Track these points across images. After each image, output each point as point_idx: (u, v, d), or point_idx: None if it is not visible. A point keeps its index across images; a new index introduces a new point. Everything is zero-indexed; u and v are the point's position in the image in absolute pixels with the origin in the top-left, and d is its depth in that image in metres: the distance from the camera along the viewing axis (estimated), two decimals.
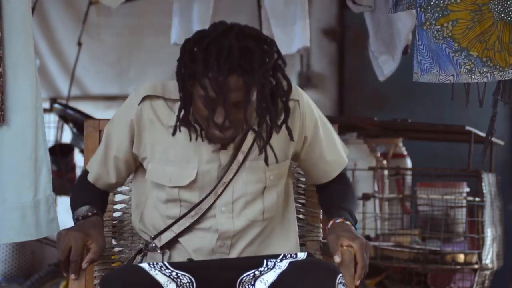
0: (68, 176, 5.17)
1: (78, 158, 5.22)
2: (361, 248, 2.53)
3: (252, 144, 2.59)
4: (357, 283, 2.53)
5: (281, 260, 2.55)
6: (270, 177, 2.62)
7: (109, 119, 3.00)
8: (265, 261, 2.54)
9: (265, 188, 2.62)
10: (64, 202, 5.42)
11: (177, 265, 2.55)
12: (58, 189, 5.16)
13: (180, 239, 2.65)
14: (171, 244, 2.66)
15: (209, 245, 2.62)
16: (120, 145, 2.67)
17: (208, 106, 2.44)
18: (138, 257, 2.72)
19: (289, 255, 2.59)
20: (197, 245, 2.63)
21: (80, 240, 2.50)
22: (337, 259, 2.52)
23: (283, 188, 2.69)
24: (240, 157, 2.59)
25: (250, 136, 2.59)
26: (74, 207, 2.69)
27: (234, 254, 2.63)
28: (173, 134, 2.54)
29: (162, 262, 2.58)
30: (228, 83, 2.39)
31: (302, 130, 2.65)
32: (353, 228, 2.63)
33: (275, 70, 2.48)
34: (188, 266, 2.57)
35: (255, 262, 2.55)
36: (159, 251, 2.65)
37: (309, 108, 2.67)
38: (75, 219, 2.63)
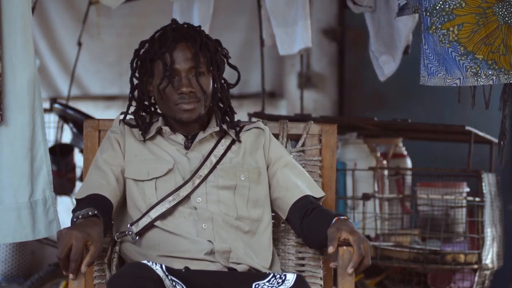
0: (68, 176, 5.17)
1: (78, 158, 5.21)
2: (358, 240, 2.56)
3: (224, 154, 2.84)
4: (350, 271, 2.53)
5: (269, 282, 2.62)
6: (241, 177, 2.82)
7: (109, 119, 3.01)
8: (253, 285, 2.61)
9: (236, 187, 2.80)
10: (64, 202, 5.43)
11: (171, 271, 2.60)
12: (58, 189, 5.15)
13: (161, 225, 2.75)
14: (149, 230, 2.77)
15: (193, 228, 2.74)
16: (110, 159, 2.83)
17: (170, 78, 2.78)
18: (116, 248, 2.79)
19: (278, 276, 2.65)
20: (180, 230, 2.74)
21: (81, 240, 2.50)
22: (330, 249, 2.57)
23: (258, 197, 2.83)
24: (213, 159, 2.83)
25: (222, 147, 2.85)
26: (74, 211, 2.71)
27: (220, 241, 2.73)
28: (143, 133, 2.84)
29: (161, 265, 2.60)
30: (179, 49, 2.80)
31: (265, 150, 2.90)
32: (355, 226, 2.67)
33: (220, 58, 2.85)
34: (181, 274, 2.62)
35: (244, 282, 2.62)
36: (136, 238, 2.75)
37: (275, 142, 2.93)
38: (75, 217, 2.62)
